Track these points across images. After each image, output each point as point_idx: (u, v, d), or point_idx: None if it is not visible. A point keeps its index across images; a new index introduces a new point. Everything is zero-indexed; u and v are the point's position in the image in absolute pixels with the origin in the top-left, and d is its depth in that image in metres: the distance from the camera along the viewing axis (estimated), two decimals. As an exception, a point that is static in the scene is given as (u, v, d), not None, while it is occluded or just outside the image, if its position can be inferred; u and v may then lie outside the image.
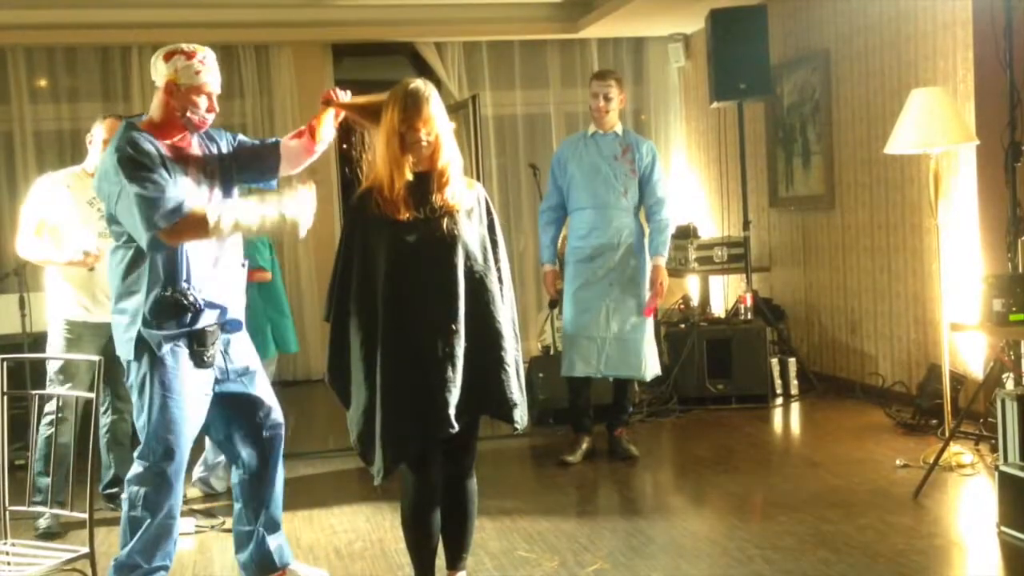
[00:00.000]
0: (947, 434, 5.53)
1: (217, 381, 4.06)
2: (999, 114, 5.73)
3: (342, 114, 4.08)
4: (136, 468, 3.96)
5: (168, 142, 3.96)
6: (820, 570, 4.22)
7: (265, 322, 5.93)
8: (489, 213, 3.80)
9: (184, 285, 3.87)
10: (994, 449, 5.27)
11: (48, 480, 4.98)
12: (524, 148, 10.22)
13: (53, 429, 5.03)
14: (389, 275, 3.60)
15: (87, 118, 5.52)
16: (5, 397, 3.72)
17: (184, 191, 3.85)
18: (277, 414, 4.24)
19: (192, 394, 3.96)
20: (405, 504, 3.79)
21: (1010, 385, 5.26)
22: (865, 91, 7.45)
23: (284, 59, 9.64)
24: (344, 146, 10.41)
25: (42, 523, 5.15)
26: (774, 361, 7.61)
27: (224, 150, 4.17)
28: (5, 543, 3.59)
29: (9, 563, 3.46)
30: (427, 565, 3.83)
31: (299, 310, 9.65)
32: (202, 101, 4.01)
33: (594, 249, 6.10)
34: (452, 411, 3.60)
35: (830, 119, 7.90)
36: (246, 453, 4.22)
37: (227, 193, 4.11)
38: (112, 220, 3.92)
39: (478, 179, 8.80)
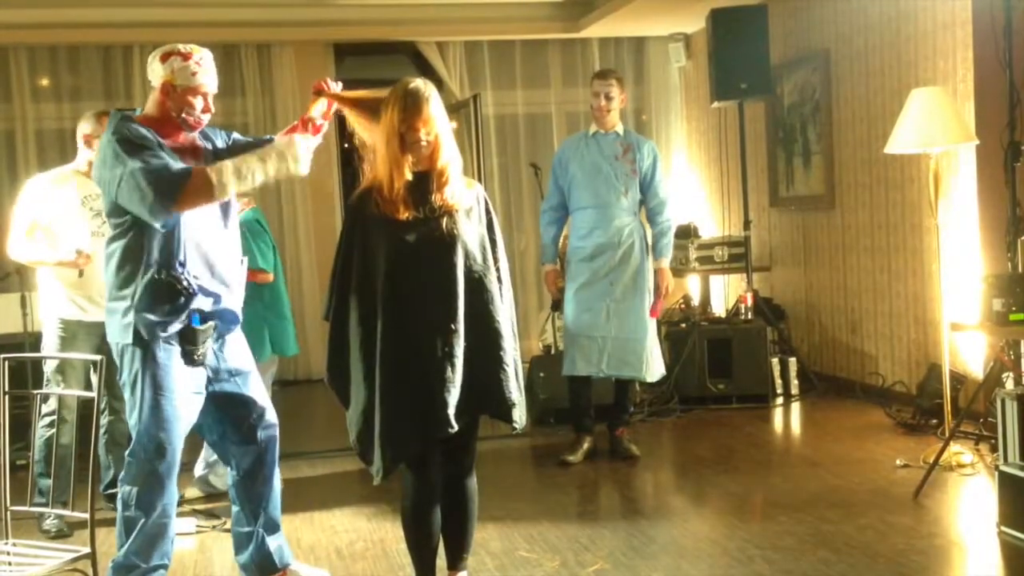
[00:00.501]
0: (947, 434, 5.54)
1: (209, 380, 4.05)
2: (999, 114, 5.74)
3: (334, 105, 4.06)
4: (128, 467, 3.95)
5: (169, 136, 3.98)
6: (820, 570, 4.22)
7: (262, 324, 5.90)
8: (488, 212, 3.80)
9: (179, 268, 3.85)
10: (994, 449, 5.28)
11: (49, 481, 4.99)
12: (525, 148, 10.23)
13: (53, 430, 5.03)
14: (389, 275, 3.60)
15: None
16: (6, 397, 3.72)
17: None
18: (271, 415, 4.23)
19: (184, 392, 3.95)
20: (405, 504, 3.79)
21: (1010, 385, 5.26)
22: (865, 91, 7.45)
23: (286, 58, 9.64)
24: (345, 145, 10.43)
25: (50, 525, 5.15)
26: (775, 361, 7.61)
27: (220, 147, 4.18)
28: (7, 543, 3.60)
29: (10, 563, 3.47)
30: (428, 565, 3.83)
31: (299, 310, 9.65)
32: (198, 102, 4.03)
33: (595, 248, 6.10)
34: (452, 411, 3.61)
35: (830, 119, 7.91)
36: (240, 454, 4.21)
37: None
38: (112, 212, 3.91)
39: (479, 179, 8.82)
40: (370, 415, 3.62)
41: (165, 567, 4.00)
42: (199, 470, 5.87)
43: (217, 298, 3.98)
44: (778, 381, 7.59)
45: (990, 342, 5.98)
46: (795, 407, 7.46)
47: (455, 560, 3.93)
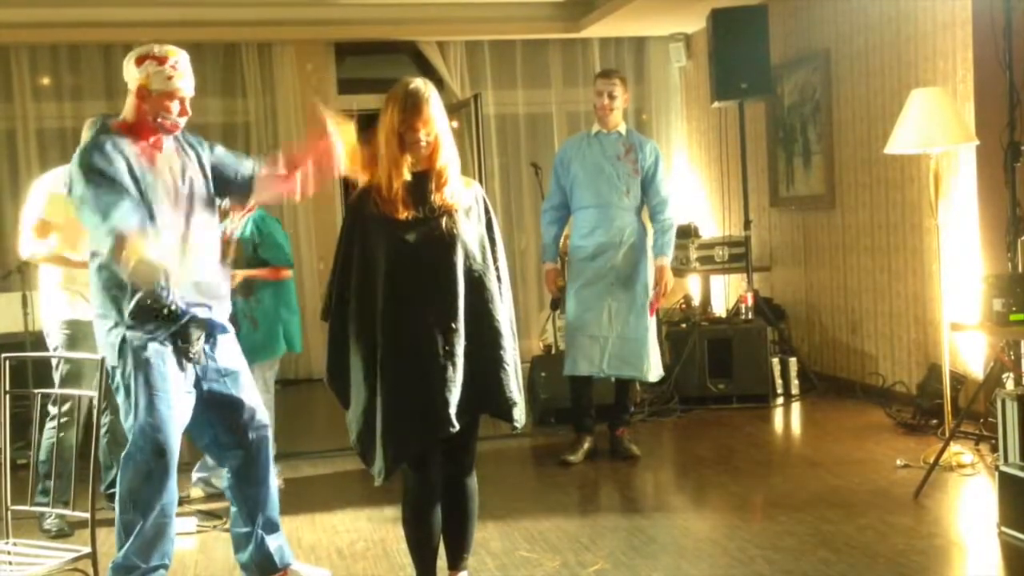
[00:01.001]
0: (947, 434, 5.54)
1: (198, 380, 4.04)
2: (999, 114, 5.74)
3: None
4: (124, 469, 3.93)
5: (142, 143, 3.94)
6: (820, 570, 4.23)
7: (277, 319, 5.90)
8: (487, 212, 3.80)
9: (162, 293, 3.84)
10: (994, 449, 5.28)
11: (51, 481, 5.00)
12: (526, 147, 10.23)
13: (64, 433, 5.03)
14: (388, 274, 3.60)
15: (90, 116, 5.52)
16: (7, 396, 3.72)
17: (157, 195, 3.86)
18: (262, 415, 4.22)
19: (177, 391, 3.94)
20: (406, 504, 3.80)
21: (1010, 385, 5.26)
22: (865, 91, 7.46)
23: (287, 57, 9.65)
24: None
25: (51, 525, 5.15)
26: (775, 361, 7.61)
27: (203, 161, 4.10)
28: (7, 543, 3.60)
29: (11, 563, 3.47)
30: (428, 565, 3.83)
31: (300, 309, 9.65)
32: (174, 106, 3.97)
33: (596, 248, 6.11)
34: (453, 410, 3.61)
35: (830, 119, 7.91)
36: (232, 455, 4.20)
37: (208, 193, 4.08)
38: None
39: (480, 178, 8.82)
40: (370, 415, 3.62)
41: (165, 567, 4.00)
42: (200, 471, 5.87)
43: (207, 308, 3.99)
44: (778, 381, 7.59)
45: (990, 342, 5.99)
46: (795, 407, 7.47)
47: (456, 560, 3.93)
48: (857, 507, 5.00)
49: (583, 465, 6.11)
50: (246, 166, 4.17)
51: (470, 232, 3.70)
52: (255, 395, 4.24)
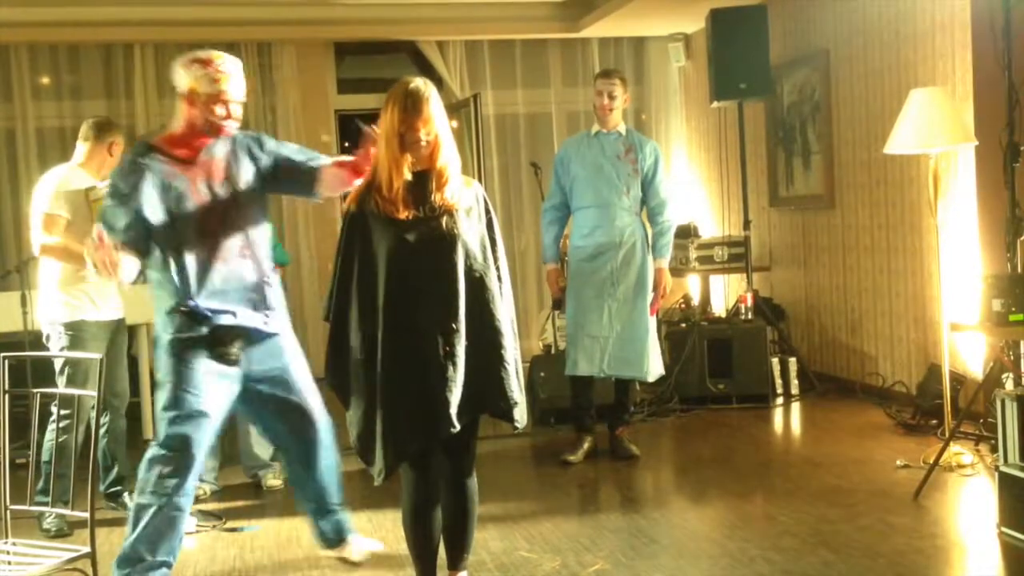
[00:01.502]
0: (947, 434, 5.54)
1: (246, 381, 4.19)
2: (998, 114, 5.73)
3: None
4: (150, 453, 4.03)
5: (179, 151, 4.06)
6: (820, 570, 4.22)
7: None
8: (488, 211, 3.80)
9: (190, 302, 4.00)
10: (994, 449, 5.27)
11: (57, 482, 5.00)
12: (525, 147, 10.23)
13: (67, 435, 5.04)
14: (389, 274, 3.60)
15: (90, 115, 5.54)
16: (6, 395, 3.72)
17: (184, 204, 4.00)
18: (317, 414, 4.38)
19: (210, 391, 4.05)
20: (406, 504, 3.80)
21: (1010, 385, 5.26)
22: (865, 91, 7.46)
23: (287, 57, 9.65)
24: (346, 144, 10.44)
25: (50, 524, 5.15)
26: (775, 361, 7.61)
27: (262, 161, 4.21)
28: (6, 542, 3.60)
29: (10, 562, 3.47)
30: (428, 565, 3.83)
31: (300, 310, 9.65)
32: (220, 109, 4.05)
33: (597, 248, 6.11)
34: (453, 411, 3.61)
35: (830, 119, 7.91)
36: (288, 449, 4.42)
37: (258, 193, 4.21)
38: None
39: (479, 178, 8.82)
40: (371, 415, 3.62)
41: (169, 565, 4.02)
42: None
43: (232, 315, 4.09)
44: (778, 381, 7.59)
45: (990, 342, 5.99)
46: (795, 407, 7.47)
47: (455, 560, 3.93)
48: (857, 507, 5.00)
49: (583, 465, 6.11)
50: (312, 160, 4.27)
51: (471, 232, 3.69)
52: (308, 395, 4.38)
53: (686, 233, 8.66)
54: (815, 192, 8.18)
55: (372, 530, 5.06)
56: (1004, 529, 4.49)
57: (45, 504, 4.75)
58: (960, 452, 5.55)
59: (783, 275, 8.79)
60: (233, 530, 5.19)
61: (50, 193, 5.24)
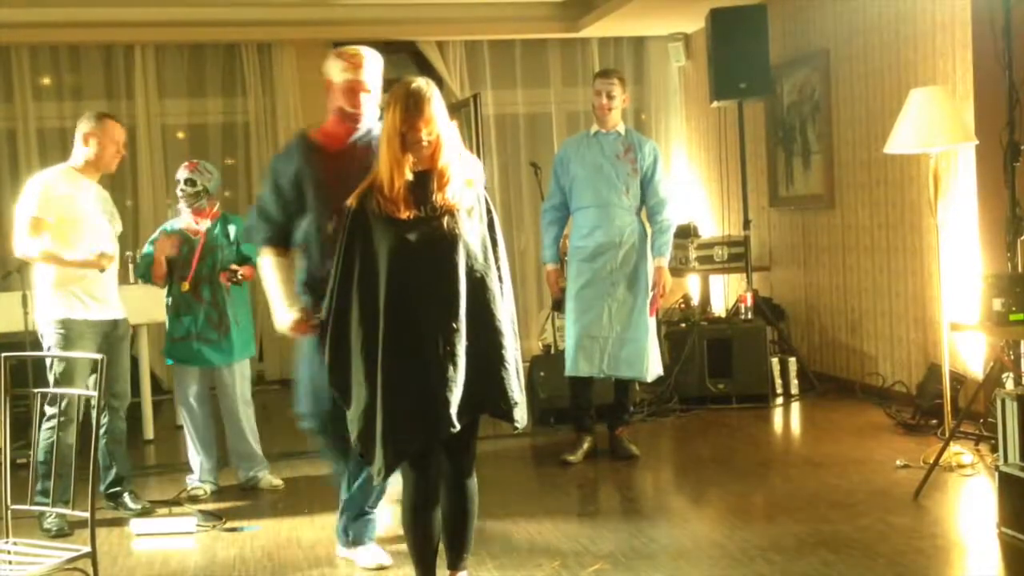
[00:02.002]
0: (947, 434, 5.54)
1: None
2: (998, 114, 5.73)
3: None
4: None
5: (332, 141, 4.32)
6: (820, 570, 4.23)
7: (248, 318, 6.02)
8: (489, 212, 3.81)
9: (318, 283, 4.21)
10: (994, 449, 5.27)
11: (51, 481, 4.98)
12: (525, 147, 10.24)
13: (60, 432, 5.02)
14: (390, 274, 3.60)
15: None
16: (7, 396, 3.72)
17: (333, 191, 4.08)
18: None
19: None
20: (405, 504, 3.80)
21: (1010, 385, 5.25)
22: (865, 91, 7.46)
23: (287, 57, 9.65)
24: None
25: (50, 524, 5.15)
26: (774, 361, 7.61)
27: None
28: (7, 542, 3.60)
29: (11, 562, 3.47)
30: (428, 565, 3.83)
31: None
32: (350, 99, 4.30)
33: (596, 248, 6.10)
34: (453, 410, 3.61)
35: (830, 119, 7.91)
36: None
37: None
38: None
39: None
40: (371, 414, 3.62)
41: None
42: (192, 480, 5.88)
43: None
44: (778, 381, 7.59)
45: (990, 342, 5.99)
46: (795, 407, 7.47)
47: (455, 560, 3.93)
48: (857, 507, 5.00)
49: (583, 465, 6.11)
50: None
51: (472, 232, 3.70)
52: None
53: (686, 233, 8.66)
54: (815, 192, 8.18)
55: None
56: (1004, 529, 4.49)
57: (45, 504, 4.75)
58: (960, 452, 5.55)
59: (783, 275, 8.80)
60: (233, 530, 5.19)
61: (37, 196, 5.24)
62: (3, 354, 3.73)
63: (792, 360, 7.69)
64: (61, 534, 5.06)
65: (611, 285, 6.09)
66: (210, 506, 5.62)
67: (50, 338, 5.27)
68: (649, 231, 6.24)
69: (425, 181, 3.64)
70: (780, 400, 7.54)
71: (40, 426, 5.17)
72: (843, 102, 7.75)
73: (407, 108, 3.59)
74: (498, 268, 3.77)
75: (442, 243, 3.63)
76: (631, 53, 10.41)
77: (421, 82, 3.67)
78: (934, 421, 6.26)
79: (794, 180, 8.50)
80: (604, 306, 6.08)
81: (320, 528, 5.16)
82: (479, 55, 10.10)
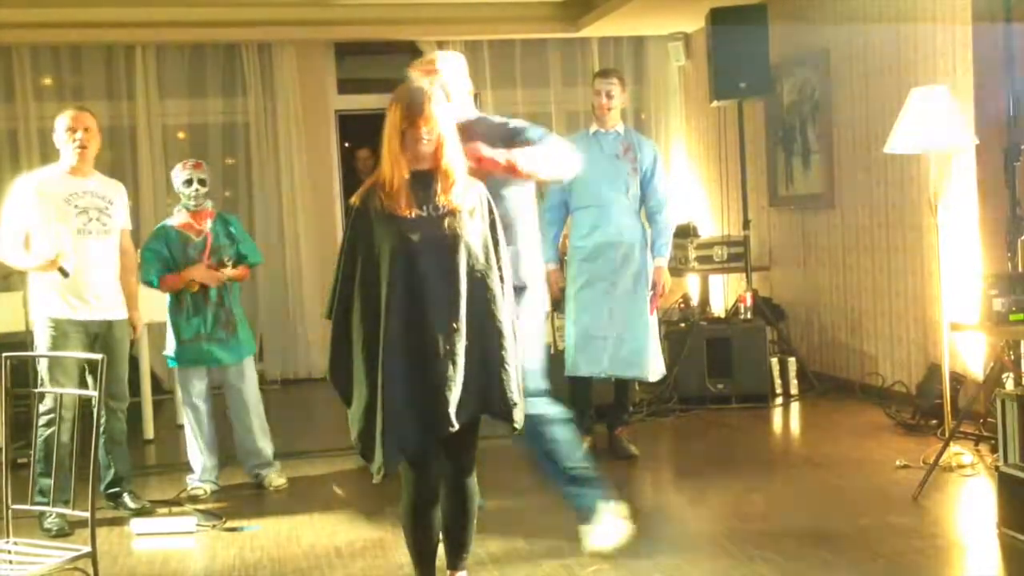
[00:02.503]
0: (947, 434, 5.54)
1: None
2: (998, 113, 5.74)
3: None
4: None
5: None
6: (820, 570, 4.23)
7: (243, 316, 6.04)
8: (491, 212, 3.81)
9: None
10: (994, 449, 5.28)
11: (50, 480, 4.96)
12: (525, 147, 10.20)
13: (52, 429, 5.01)
14: (392, 273, 3.60)
15: (93, 114, 5.53)
16: (7, 396, 3.72)
17: None
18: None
19: None
20: (405, 503, 3.80)
21: (1010, 385, 5.26)
22: (865, 90, 7.46)
23: (287, 57, 9.64)
24: (346, 144, 10.44)
25: (51, 524, 5.14)
26: (774, 361, 7.62)
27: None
28: (7, 542, 3.60)
29: (12, 562, 3.47)
30: (427, 564, 3.84)
31: (300, 309, 9.67)
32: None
33: (596, 248, 6.11)
34: (452, 410, 3.61)
35: (830, 118, 7.91)
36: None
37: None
38: None
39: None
40: (372, 413, 3.62)
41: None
42: (192, 480, 5.88)
43: None
44: (777, 381, 7.59)
45: (990, 342, 5.99)
46: (795, 407, 7.47)
47: (454, 560, 3.93)
48: (857, 507, 5.00)
49: (583, 465, 6.10)
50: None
51: (474, 232, 3.70)
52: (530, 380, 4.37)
53: (685, 233, 8.66)
54: (815, 191, 8.18)
55: (371, 529, 5.07)
56: (1004, 529, 4.49)
57: (44, 503, 4.74)
58: (960, 452, 5.56)
59: (783, 275, 8.80)
60: (233, 530, 5.19)
61: (25, 203, 5.25)
62: (3, 354, 3.74)
63: (792, 360, 7.70)
64: (61, 534, 5.05)
65: (611, 285, 6.09)
66: (210, 506, 5.62)
67: (38, 336, 5.28)
68: (648, 231, 6.24)
69: (428, 181, 3.65)
70: (780, 400, 7.54)
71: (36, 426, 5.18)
72: (843, 102, 7.75)
73: (408, 106, 3.60)
74: (499, 268, 3.78)
75: (444, 243, 3.64)
76: (631, 53, 10.40)
77: (424, 81, 3.68)
78: (934, 421, 6.26)
79: (794, 180, 8.50)
80: (604, 306, 6.08)
81: (319, 528, 5.16)
82: (479, 55, 10.09)
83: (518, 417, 3.77)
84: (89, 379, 5.16)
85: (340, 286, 3.70)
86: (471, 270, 3.67)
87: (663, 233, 6.17)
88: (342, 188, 9.92)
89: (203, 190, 5.87)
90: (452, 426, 3.62)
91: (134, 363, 6.70)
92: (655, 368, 6.20)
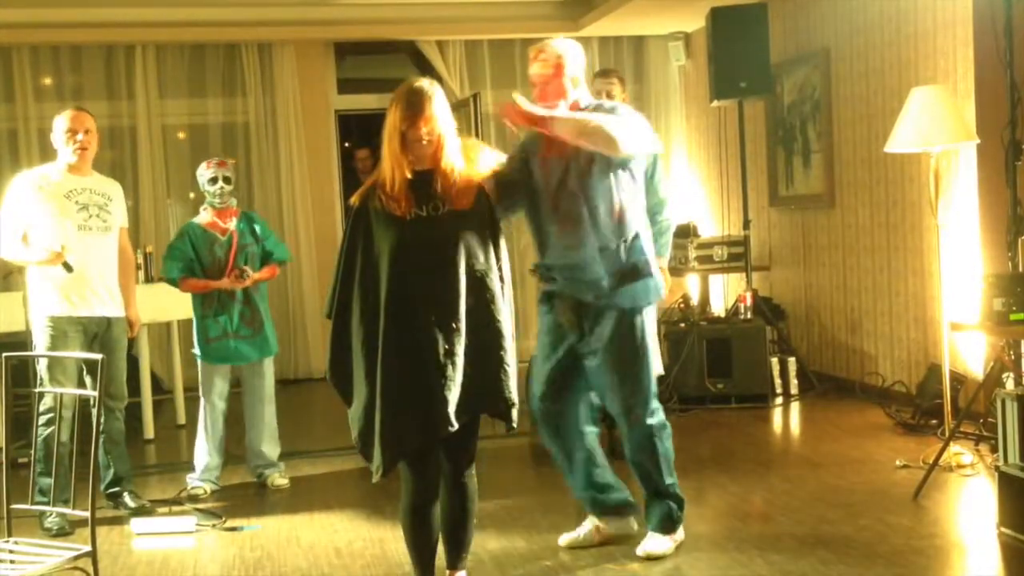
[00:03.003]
0: (947, 434, 5.54)
1: (573, 348, 4.50)
2: (999, 113, 5.74)
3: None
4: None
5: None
6: (820, 570, 4.22)
7: (268, 314, 6.04)
8: (491, 211, 3.81)
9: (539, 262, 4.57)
10: (994, 449, 5.28)
11: (50, 480, 4.96)
12: (525, 147, 10.21)
13: (51, 428, 5.01)
14: (391, 272, 3.61)
15: (92, 116, 5.53)
16: (7, 395, 3.72)
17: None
18: (633, 405, 4.50)
19: (546, 346, 4.68)
20: (405, 503, 3.80)
21: (1010, 385, 5.26)
22: (865, 90, 7.46)
23: (287, 57, 9.65)
24: (346, 144, 10.44)
25: (51, 523, 5.14)
26: (774, 360, 7.61)
27: None
28: (8, 541, 3.60)
29: (13, 561, 3.47)
30: (427, 564, 3.84)
31: (300, 309, 9.67)
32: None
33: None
34: (452, 409, 3.62)
35: (830, 118, 7.91)
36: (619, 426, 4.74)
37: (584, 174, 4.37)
38: None
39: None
40: (372, 412, 3.63)
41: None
42: (193, 480, 5.88)
43: (553, 281, 4.55)
44: (777, 381, 7.59)
45: (990, 342, 5.98)
46: (795, 407, 7.47)
47: (454, 559, 3.93)
48: (857, 507, 5.00)
49: (583, 465, 6.10)
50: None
51: (473, 232, 3.70)
52: (622, 387, 4.45)
53: (685, 232, 8.65)
54: (815, 191, 8.18)
55: (371, 529, 5.07)
56: (1004, 529, 4.49)
57: (44, 503, 4.74)
58: (960, 452, 5.55)
59: (783, 275, 8.79)
60: (233, 529, 5.19)
61: (25, 199, 5.26)
62: (3, 354, 3.74)
63: (792, 360, 7.69)
64: (62, 533, 5.06)
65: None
66: (210, 505, 5.62)
67: (37, 335, 5.28)
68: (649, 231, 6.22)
69: (428, 180, 3.65)
70: (780, 400, 7.54)
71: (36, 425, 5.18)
72: (843, 101, 7.75)
73: (407, 106, 3.61)
74: (499, 269, 3.78)
75: (443, 242, 3.64)
76: (631, 52, 10.40)
77: (424, 82, 3.70)
78: (934, 421, 6.26)
79: (794, 179, 8.50)
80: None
81: (319, 527, 5.16)
82: (479, 54, 10.10)
83: (516, 416, 3.77)
84: (88, 379, 5.16)
85: (340, 286, 3.70)
86: (470, 269, 3.68)
87: (663, 234, 6.13)
88: (342, 188, 9.92)
89: (228, 188, 5.87)
90: (451, 426, 3.62)
91: (134, 363, 6.70)
92: (654, 368, 6.17)
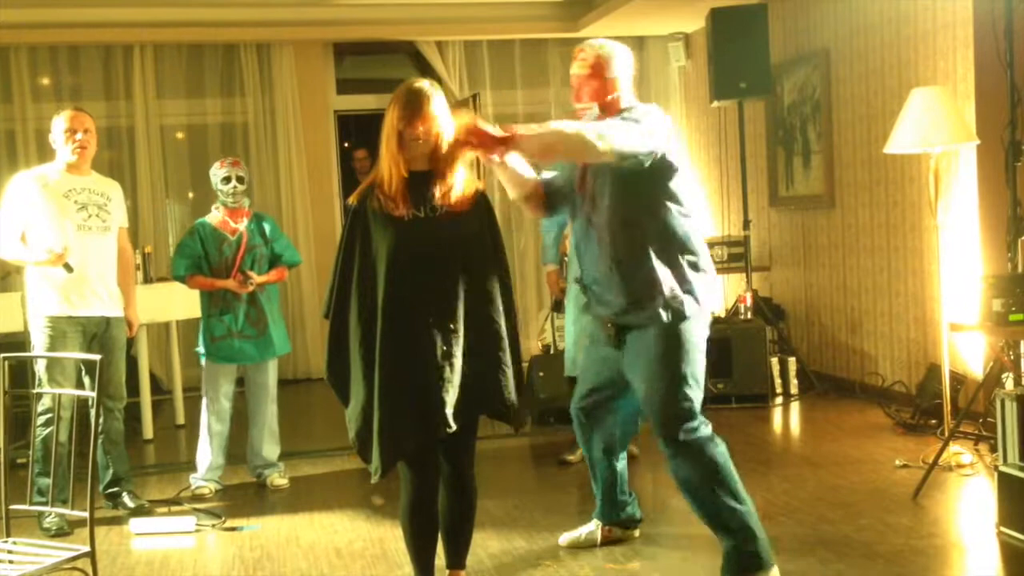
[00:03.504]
0: (947, 434, 5.54)
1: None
2: (999, 113, 5.74)
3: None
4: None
5: None
6: (819, 570, 4.23)
7: (280, 315, 6.05)
8: (489, 212, 3.81)
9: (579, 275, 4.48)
10: (994, 449, 5.28)
11: (48, 480, 4.95)
12: (525, 147, 10.21)
13: (50, 428, 5.01)
14: (389, 273, 3.60)
15: (91, 116, 5.52)
16: (6, 396, 3.72)
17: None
18: (648, 414, 4.52)
19: (591, 353, 4.61)
20: (404, 503, 3.80)
21: (1010, 385, 5.26)
22: (865, 90, 7.46)
23: (286, 58, 9.65)
24: (346, 145, 10.44)
25: (50, 523, 5.14)
26: (774, 360, 7.61)
27: None
28: (6, 542, 3.60)
29: (11, 561, 3.47)
30: (427, 564, 3.83)
31: (299, 309, 9.67)
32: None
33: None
34: (450, 410, 3.61)
35: (830, 118, 7.91)
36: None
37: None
38: None
39: (479, 178, 8.81)
40: (369, 413, 3.62)
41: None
42: (195, 479, 5.87)
43: (594, 293, 4.38)
44: (777, 381, 7.59)
45: (990, 342, 5.98)
46: (794, 407, 7.47)
47: (454, 559, 3.93)
48: (856, 507, 5.00)
49: (582, 465, 6.07)
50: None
51: (472, 232, 3.70)
52: (649, 401, 4.41)
53: (686, 233, 8.63)
54: (815, 192, 8.18)
55: (370, 529, 5.07)
56: (1004, 529, 4.49)
57: (43, 503, 4.74)
58: (960, 452, 5.55)
59: (783, 275, 8.80)
60: (233, 529, 5.19)
61: (26, 200, 5.25)
62: (2, 355, 3.73)
63: (792, 360, 7.69)
64: (61, 533, 5.05)
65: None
66: (210, 505, 5.61)
67: (35, 336, 5.28)
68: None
69: (426, 181, 3.65)
70: (780, 400, 7.54)
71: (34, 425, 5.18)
72: (843, 102, 7.75)
73: (406, 105, 3.61)
74: (498, 269, 3.78)
75: (442, 243, 3.64)
76: (631, 53, 10.39)
77: (424, 83, 3.69)
78: (934, 421, 6.26)
79: (794, 180, 8.50)
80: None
81: (319, 527, 5.16)
82: (478, 55, 10.10)
83: (516, 418, 3.77)
84: (86, 380, 5.16)
85: (338, 286, 3.70)
86: (468, 271, 3.67)
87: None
88: (341, 188, 9.92)
89: (241, 187, 5.85)
90: (449, 427, 3.62)
91: (133, 363, 6.70)
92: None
